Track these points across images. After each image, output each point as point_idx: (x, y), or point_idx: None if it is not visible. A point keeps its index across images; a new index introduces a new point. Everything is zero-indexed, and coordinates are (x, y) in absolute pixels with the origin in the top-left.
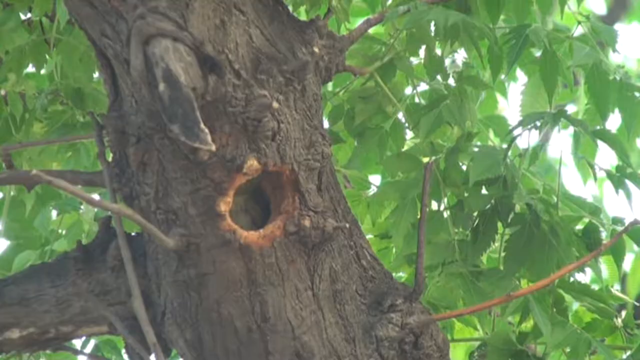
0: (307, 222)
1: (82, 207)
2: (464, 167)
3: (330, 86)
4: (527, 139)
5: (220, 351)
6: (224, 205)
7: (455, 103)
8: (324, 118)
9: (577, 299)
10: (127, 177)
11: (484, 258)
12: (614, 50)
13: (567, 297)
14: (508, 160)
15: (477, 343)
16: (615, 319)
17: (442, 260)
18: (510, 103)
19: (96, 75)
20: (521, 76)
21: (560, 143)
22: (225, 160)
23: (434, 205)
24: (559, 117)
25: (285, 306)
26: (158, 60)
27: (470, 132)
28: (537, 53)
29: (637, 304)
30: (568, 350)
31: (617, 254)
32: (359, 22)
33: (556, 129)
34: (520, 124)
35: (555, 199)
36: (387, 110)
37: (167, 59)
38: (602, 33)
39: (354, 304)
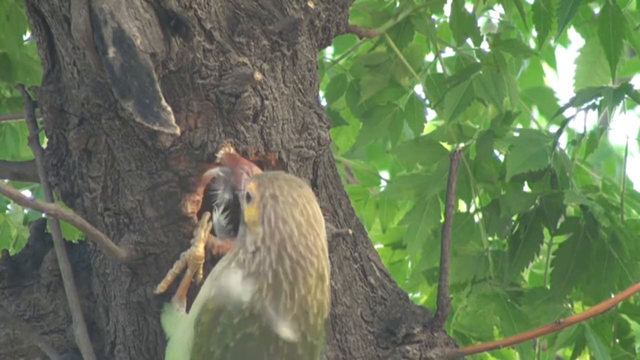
0: None
1: (8, 206)
2: (501, 157)
3: (329, 52)
4: (582, 121)
5: None
6: (191, 206)
7: (490, 74)
8: (320, 93)
9: None
10: (66, 168)
11: (525, 275)
12: None
13: (634, 325)
14: (557, 149)
15: None
16: None
17: (472, 278)
18: (561, 74)
19: (27, 37)
20: (575, 40)
21: (625, 126)
22: (193, 148)
23: (462, 206)
24: (622, 92)
25: None
26: (107, 18)
27: (509, 111)
28: (597, 9)
29: None
30: None
31: None
32: None
33: (619, 108)
34: (574, 101)
35: (618, 198)
36: (401, 83)
37: (118, 16)
38: None
39: (358, 333)
